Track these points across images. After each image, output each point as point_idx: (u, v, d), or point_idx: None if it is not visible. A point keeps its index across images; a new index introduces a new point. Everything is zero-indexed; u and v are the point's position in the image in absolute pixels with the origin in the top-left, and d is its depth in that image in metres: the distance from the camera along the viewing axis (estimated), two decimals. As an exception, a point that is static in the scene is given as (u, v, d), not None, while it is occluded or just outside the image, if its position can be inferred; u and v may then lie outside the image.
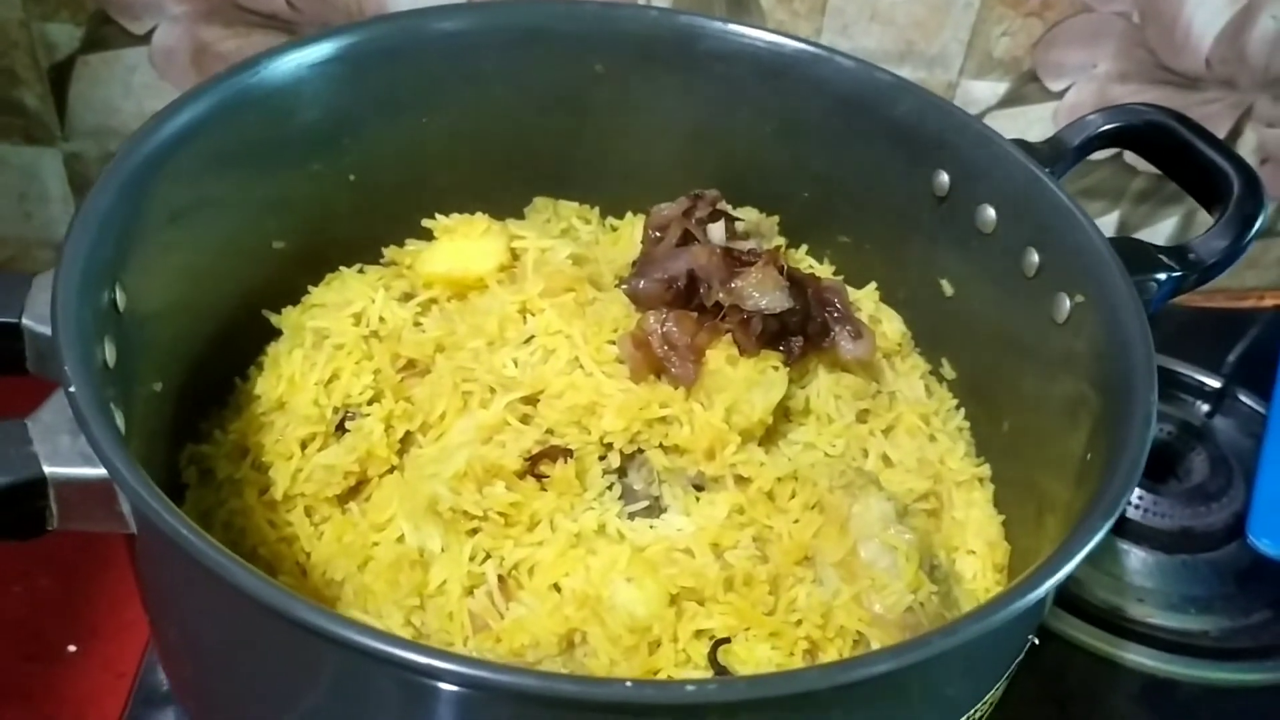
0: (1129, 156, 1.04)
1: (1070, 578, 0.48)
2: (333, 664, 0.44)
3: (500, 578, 0.57)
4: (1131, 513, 0.86)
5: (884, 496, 0.62)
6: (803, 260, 0.78)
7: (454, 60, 0.71)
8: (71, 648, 0.77)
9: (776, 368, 0.65)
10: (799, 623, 0.58)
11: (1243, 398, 0.98)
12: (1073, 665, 0.79)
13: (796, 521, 0.62)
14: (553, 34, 0.74)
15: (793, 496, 0.63)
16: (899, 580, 0.60)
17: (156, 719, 0.71)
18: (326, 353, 0.66)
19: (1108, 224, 1.13)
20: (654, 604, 0.57)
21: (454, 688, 0.41)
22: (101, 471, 0.45)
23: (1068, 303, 0.64)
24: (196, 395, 0.67)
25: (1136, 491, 0.85)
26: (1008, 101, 1.04)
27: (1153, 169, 0.74)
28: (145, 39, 0.93)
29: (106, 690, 0.75)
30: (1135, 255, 0.64)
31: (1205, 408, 0.98)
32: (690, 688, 0.39)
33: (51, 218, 1.01)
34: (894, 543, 0.60)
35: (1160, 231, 1.14)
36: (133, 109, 0.96)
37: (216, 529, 0.62)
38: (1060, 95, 1.04)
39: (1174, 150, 0.71)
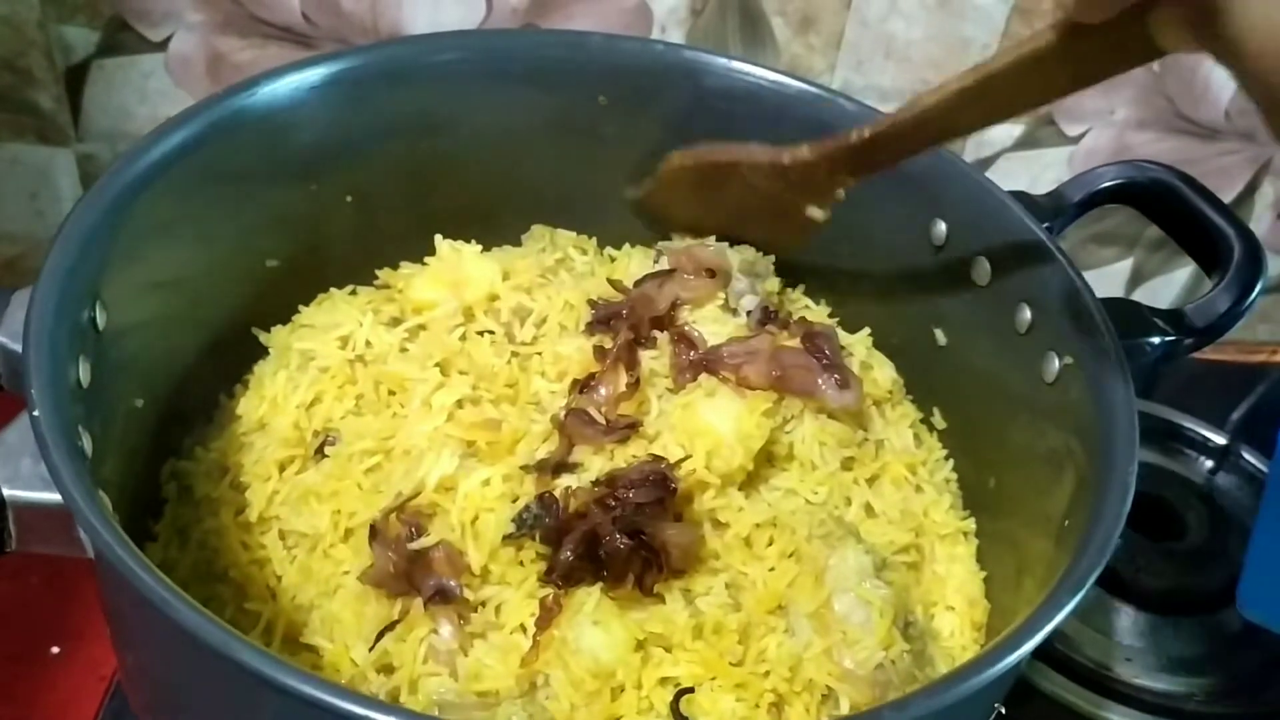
0: (1144, 204, 1.03)
1: (1036, 649, 0.47)
2: (274, 707, 0.43)
3: (462, 616, 0.57)
4: (1124, 569, 0.84)
5: (862, 549, 0.61)
6: (798, 301, 0.78)
7: (455, 88, 0.71)
8: (55, 649, 0.78)
9: (765, 413, 0.64)
10: (767, 674, 0.58)
11: (1247, 456, 0.96)
12: (1057, 723, 0.79)
13: (772, 570, 0.61)
14: (557, 65, 0.74)
15: (770, 544, 0.62)
16: (871, 636, 0.59)
17: (130, 725, 0.72)
18: (310, 375, 0.66)
19: (1121, 271, 1.12)
20: (620, 649, 0.56)
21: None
22: (60, 497, 0.45)
23: (1057, 363, 0.63)
24: (183, 410, 0.67)
25: (1129, 548, 0.84)
26: (1023, 144, 1.03)
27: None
28: (162, 46, 0.94)
29: (87, 693, 0.75)
30: (1129, 318, 0.64)
31: (1209, 464, 0.97)
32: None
33: (62, 217, 1.01)
34: (869, 597, 0.60)
35: (1174, 281, 1.13)
36: (147, 115, 0.96)
37: (192, 547, 0.63)
38: (1076, 140, 1.03)
39: (1177, 211, 0.70)
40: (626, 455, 0.62)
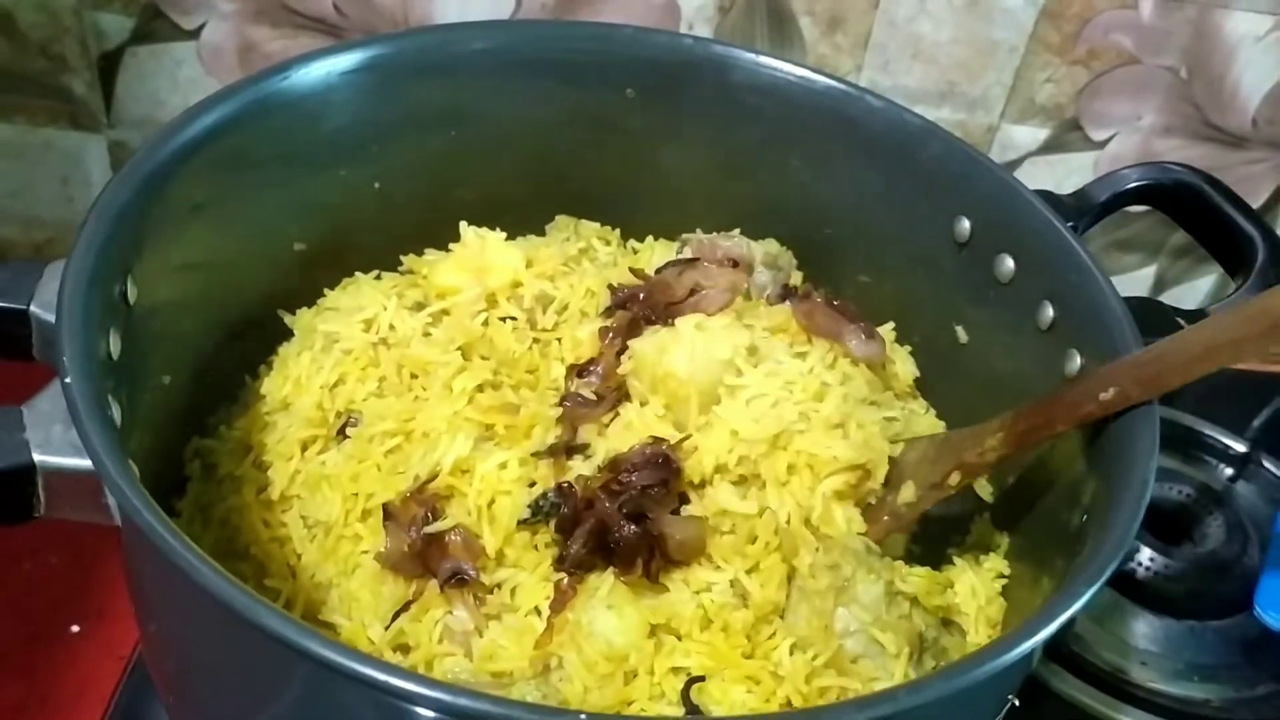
0: (1169, 211, 1.03)
1: (1050, 641, 0.47)
2: (298, 674, 0.44)
3: (477, 597, 0.57)
4: (1142, 574, 0.84)
5: (873, 580, 0.60)
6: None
7: (484, 77, 0.72)
8: (75, 628, 0.79)
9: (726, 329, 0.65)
10: (780, 678, 0.57)
11: (1267, 464, 0.95)
12: (1071, 725, 0.78)
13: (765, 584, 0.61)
14: (585, 56, 0.74)
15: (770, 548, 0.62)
16: (888, 675, 0.58)
17: (147, 704, 0.72)
18: (334, 357, 0.66)
19: (1144, 277, 1.11)
20: (633, 633, 0.57)
21: (407, 706, 0.41)
22: (89, 463, 0.45)
23: (1079, 360, 0.63)
24: (208, 389, 0.68)
25: (1147, 553, 0.84)
26: (1048, 148, 1.03)
27: (1192, 224, 0.73)
28: (194, 34, 0.95)
29: (106, 672, 0.76)
30: (1152, 317, 0.64)
31: (1228, 471, 0.96)
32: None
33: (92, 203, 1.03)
34: (883, 640, 0.58)
35: (1198, 289, 1.13)
36: (178, 102, 0.98)
37: (214, 524, 0.63)
38: (1102, 145, 1.03)
39: (1201, 212, 0.70)
40: (628, 435, 0.63)
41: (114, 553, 0.81)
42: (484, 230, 0.71)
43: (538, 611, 0.57)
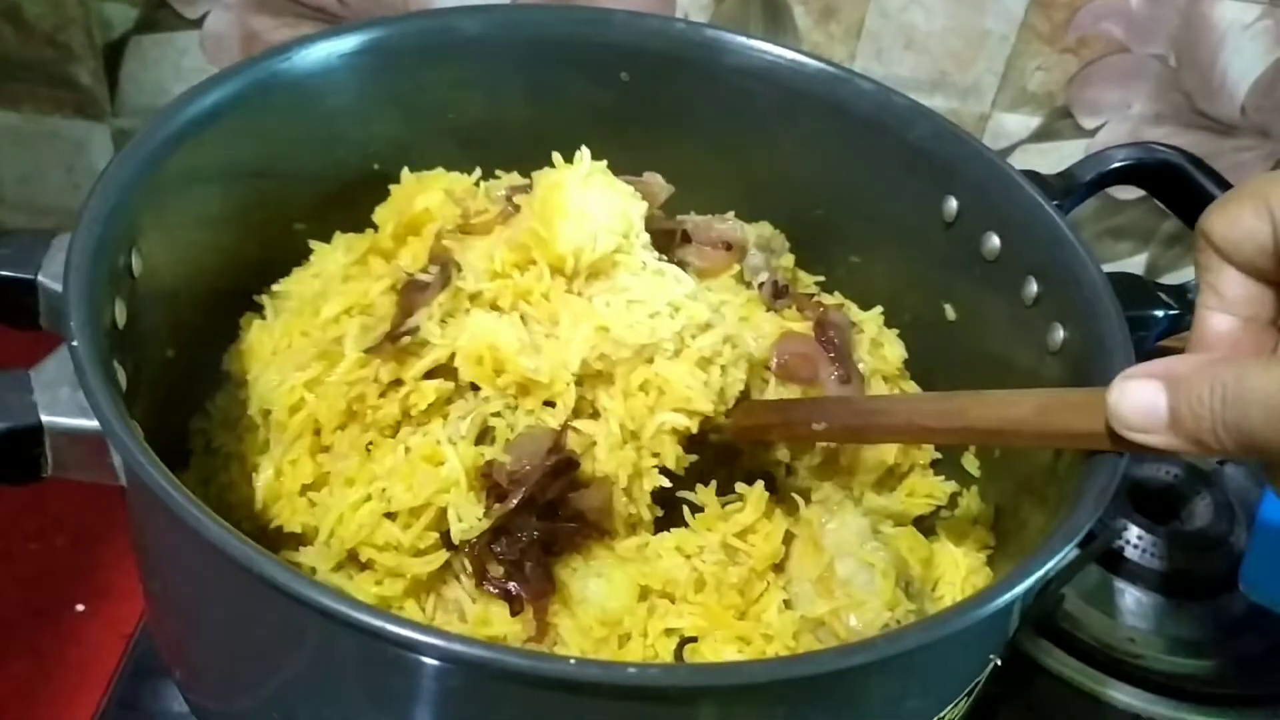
0: (1159, 199, 1.04)
1: (1029, 593, 0.49)
2: (304, 629, 0.45)
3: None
4: (1130, 552, 0.85)
5: (859, 512, 0.62)
6: (808, 285, 0.79)
7: (479, 61, 0.73)
8: (80, 606, 0.80)
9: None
10: (770, 638, 0.59)
11: (1257, 446, 0.97)
12: (1060, 701, 0.79)
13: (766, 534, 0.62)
14: (579, 41, 0.75)
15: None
16: (876, 597, 0.60)
17: (148, 681, 0.74)
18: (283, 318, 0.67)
19: (1135, 265, 1.12)
20: (624, 596, 0.58)
21: (413, 655, 0.42)
22: (95, 424, 0.47)
23: (1061, 333, 0.64)
24: (211, 365, 0.69)
25: (1135, 531, 0.85)
26: (1040, 136, 1.04)
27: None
28: (197, 24, 0.96)
29: (109, 650, 0.77)
30: (1134, 291, 0.65)
31: (1218, 453, 0.97)
32: (632, 670, 0.41)
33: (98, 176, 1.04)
34: (871, 559, 0.61)
35: (1188, 276, 1.13)
36: (181, 91, 0.99)
37: (211, 499, 0.64)
38: (1093, 133, 1.04)
39: (1186, 192, 0.72)
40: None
41: (119, 534, 0.83)
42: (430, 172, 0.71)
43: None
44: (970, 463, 0.71)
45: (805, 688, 0.44)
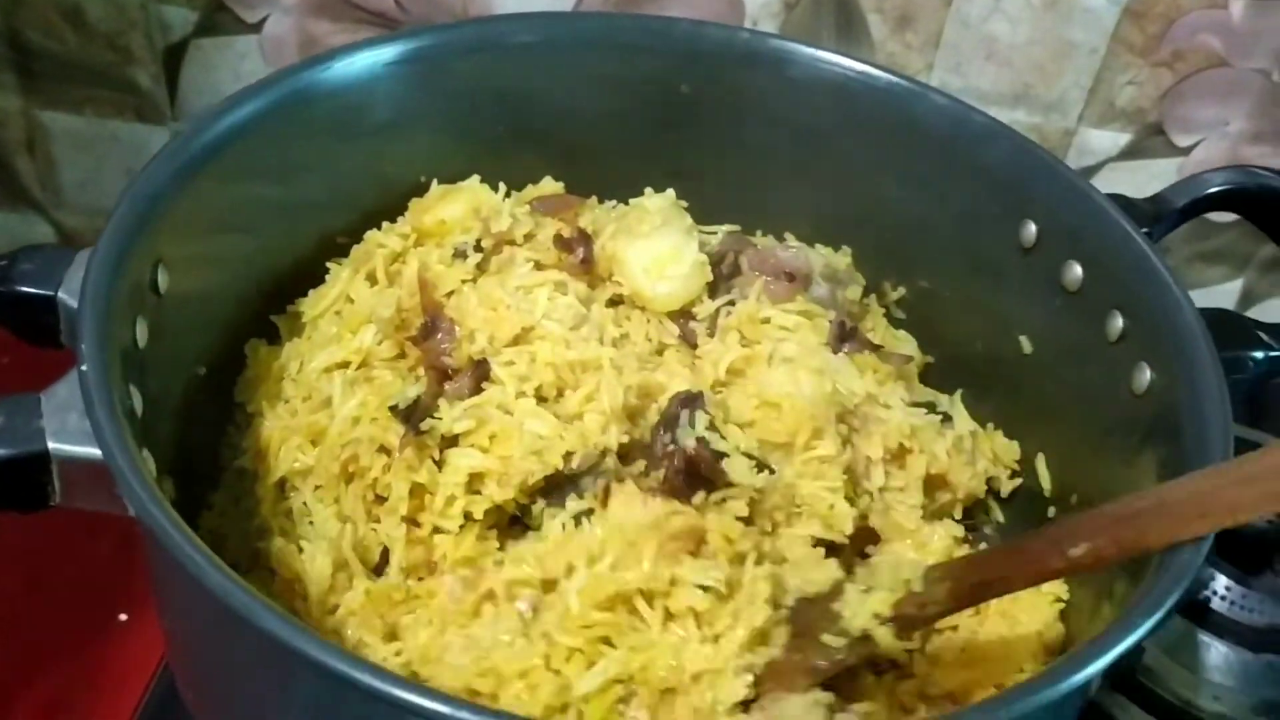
0: (1258, 222, 0.98)
1: (1108, 670, 0.44)
2: (299, 678, 0.42)
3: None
4: (1216, 604, 0.79)
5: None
6: (877, 314, 0.76)
7: (532, 71, 0.71)
8: (123, 616, 0.79)
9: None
10: None
11: (1359, 491, 0.90)
12: (1137, 759, 0.75)
13: None
14: (639, 51, 0.72)
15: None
16: None
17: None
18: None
19: (1230, 291, 1.06)
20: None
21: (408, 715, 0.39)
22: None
23: (1149, 374, 0.59)
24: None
25: (1224, 581, 0.79)
26: (1129, 154, 0.99)
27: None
28: (256, 28, 0.95)
29: (149, 660, 0.76)
30: (1231, 330, 0.60)
31: (1316, 498, 0.91)
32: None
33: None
34: None
35: (1288, 305, 1.07)
36: (240, 95, 0.98)
37: (241, 515, 0.62)
38: (1187, 151, 0.98)
39: (1288, 220, 0.66)
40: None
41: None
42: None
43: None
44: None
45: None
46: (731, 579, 0.54)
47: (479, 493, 0.56)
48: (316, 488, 0.59)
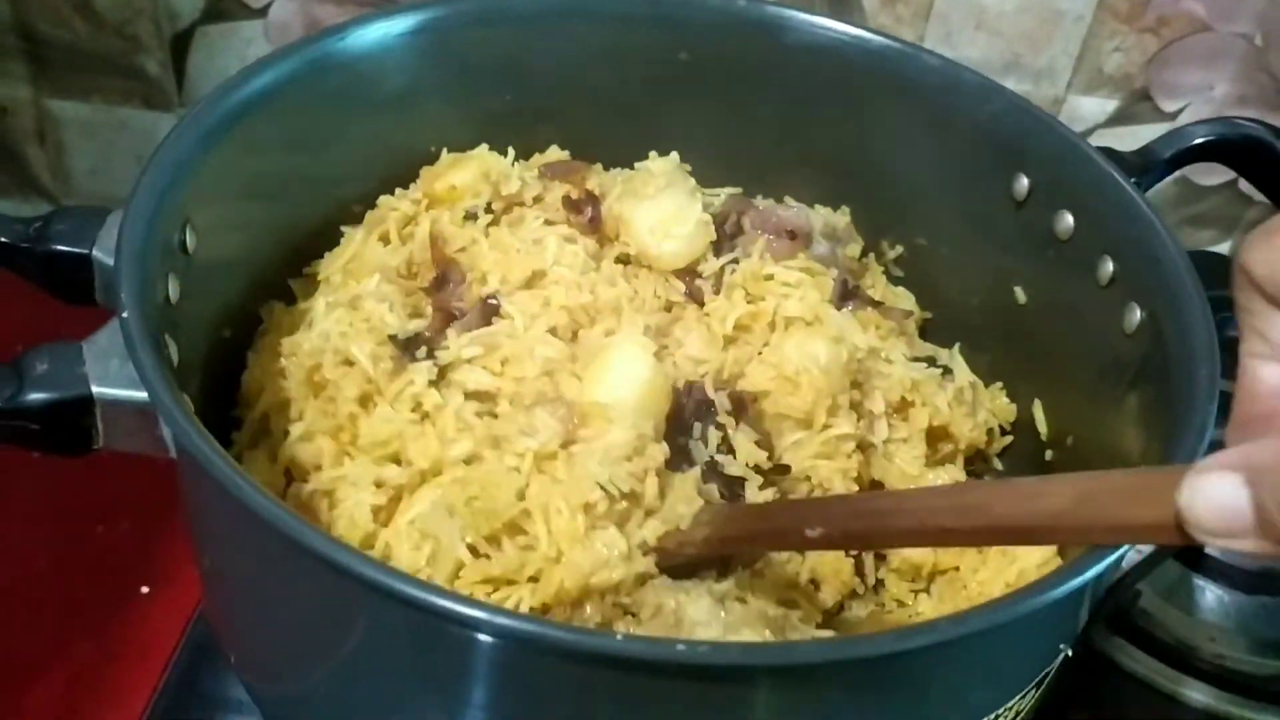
0: (1244, 184, 1.00)
1: (1099, 579, 0.46)
2: (350, 602, 0.44)
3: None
4: (1210, 547, 0.82)
5: None
6: (877, 274, 0.78)
7: (537, 39, 0.72)
8: (145, 589, 0.80)
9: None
10: None
11: (1348, 439, 0.92)
12: (1135, 701, 0.77)
13: None
14: (639, 19, 0.74)
15: None
16: None
17: (205, 661, 0.74)
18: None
19: (1220, 255, 1.08)
20: None
21: (460, 630, 0.41)
22: (145, 395, 0.47)
23: (1138, 314, 0.61)
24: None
25: (1218, 526, 0.82)
26: (1117, 120, 1.01)
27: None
28: (262, 13, 0.97)
29: (172, 632, 0.77)
30: (1215, 269, 0.62)
31: (1305, 447, 0.93)
32: (681, 647, 0.39)
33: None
34: None
35: (1275, 265, 1.09)
36: (246, 79, 0.99)
37: (280, 469, 0.63)
38: (1174, 116, 1.01)
39: (1275, 169, 0.68)
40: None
41: (183, 517, 0.84)
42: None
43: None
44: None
45: (862, 670, 0.42)
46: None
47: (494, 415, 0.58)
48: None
